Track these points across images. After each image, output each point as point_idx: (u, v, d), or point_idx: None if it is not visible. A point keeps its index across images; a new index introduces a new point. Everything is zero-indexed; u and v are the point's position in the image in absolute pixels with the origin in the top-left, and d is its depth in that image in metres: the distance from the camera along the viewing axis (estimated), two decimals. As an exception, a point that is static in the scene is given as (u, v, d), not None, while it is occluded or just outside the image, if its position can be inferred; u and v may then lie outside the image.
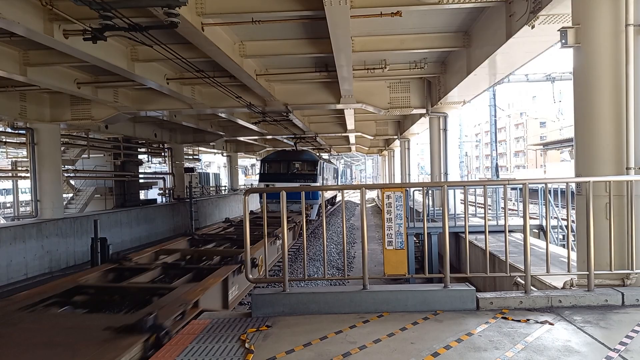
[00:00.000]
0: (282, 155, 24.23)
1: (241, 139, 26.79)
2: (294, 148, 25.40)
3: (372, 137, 26.64)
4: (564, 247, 10.29)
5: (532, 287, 4.36)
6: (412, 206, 12.47)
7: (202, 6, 7.46)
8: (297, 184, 21.36)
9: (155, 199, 24.91)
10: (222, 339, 3.74)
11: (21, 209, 20.71)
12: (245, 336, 3.73)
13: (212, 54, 9.09)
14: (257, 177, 25.87)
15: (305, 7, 7.47)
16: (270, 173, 23.30)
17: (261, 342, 3.62)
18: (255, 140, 28.97)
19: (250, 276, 4.52)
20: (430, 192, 14.32)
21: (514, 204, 21.97)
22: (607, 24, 4.86)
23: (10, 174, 19.26)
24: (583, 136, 5.09)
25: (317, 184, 22.41)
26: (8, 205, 34.07)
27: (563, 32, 5.09)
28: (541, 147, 43.74)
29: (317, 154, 26.55)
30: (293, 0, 7.46)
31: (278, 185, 20.67)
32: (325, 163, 26.93)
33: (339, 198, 33.32)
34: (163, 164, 28.97)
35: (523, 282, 4.41)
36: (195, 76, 10.74)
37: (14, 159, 20.08)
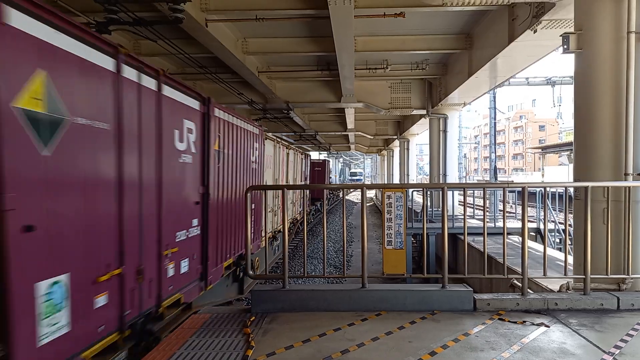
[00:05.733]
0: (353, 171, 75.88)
1: (241, 135, 26.93)
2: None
3: (371, 137, 26.72)
4: (561, 250, 10.35)
5: (528, 290, 4.41)
6: (410, 206, 12.52)
7: (206, 2, 7.49)
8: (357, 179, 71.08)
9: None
10: (221, 334, 3.78)
11: None
12: (246, 330, 3.77)
13: (215, 50, 9.12)
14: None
15: (309, 5, 7.50)
16: (352, 174, 74.65)
17: (261, 337, 3.66)
18: (254, 137, 28.97)
19: (251, 272, 4.56)
20: (429, 192, 14.37)
21: (511, 206, 22.03)
22: (609, 31, 4.91)
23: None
24: (582, 141, 5.15)
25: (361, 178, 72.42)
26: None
27: (565, 37, 5.14)
28: (540, 150, 43.86)
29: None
30: (297, -1, 7.50)
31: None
32: (360, 172, 77.79)
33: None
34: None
35: (520, 284, 4.46)
36: (198, 72, 10.76)
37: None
